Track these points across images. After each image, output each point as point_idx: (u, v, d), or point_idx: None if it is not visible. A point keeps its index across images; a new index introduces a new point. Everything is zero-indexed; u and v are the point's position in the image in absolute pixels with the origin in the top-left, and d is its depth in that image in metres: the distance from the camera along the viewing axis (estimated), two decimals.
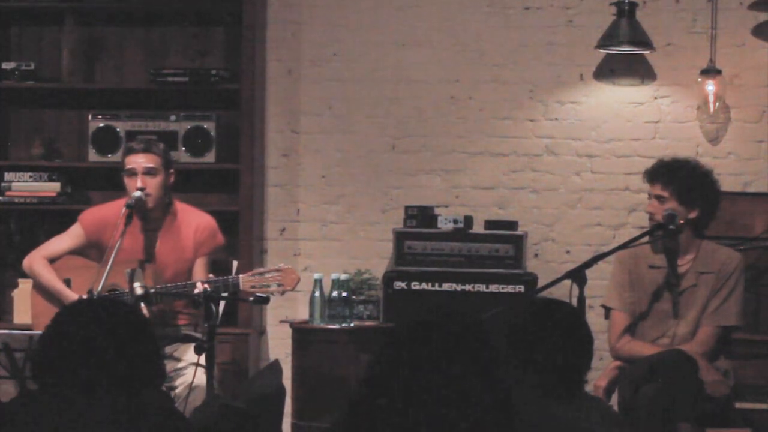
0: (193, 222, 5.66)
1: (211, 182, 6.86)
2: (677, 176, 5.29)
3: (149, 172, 5.52)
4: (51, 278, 5.58)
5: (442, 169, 6.85)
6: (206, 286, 5.16)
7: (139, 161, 5.53)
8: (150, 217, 5.58)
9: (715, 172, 5.44)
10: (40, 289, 5.61)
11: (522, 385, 3.25)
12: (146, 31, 6.96)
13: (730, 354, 5.40)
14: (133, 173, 5.52)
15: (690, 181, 5.29)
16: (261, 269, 5.35)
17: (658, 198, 5.31)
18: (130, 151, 5.59)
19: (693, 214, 5.30)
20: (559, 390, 3.28)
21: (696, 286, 5.31)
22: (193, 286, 5.23)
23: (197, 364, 5.05)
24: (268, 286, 5.26)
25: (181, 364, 5.40)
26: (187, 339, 5.47)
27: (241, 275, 5.31)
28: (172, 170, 5.61)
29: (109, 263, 5.19)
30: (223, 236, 5.74)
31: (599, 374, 5.38)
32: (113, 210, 5.60)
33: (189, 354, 5.33)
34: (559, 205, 6.80)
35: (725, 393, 5.19)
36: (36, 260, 5.65)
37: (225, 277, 5.33)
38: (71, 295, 5.43)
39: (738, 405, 5.37)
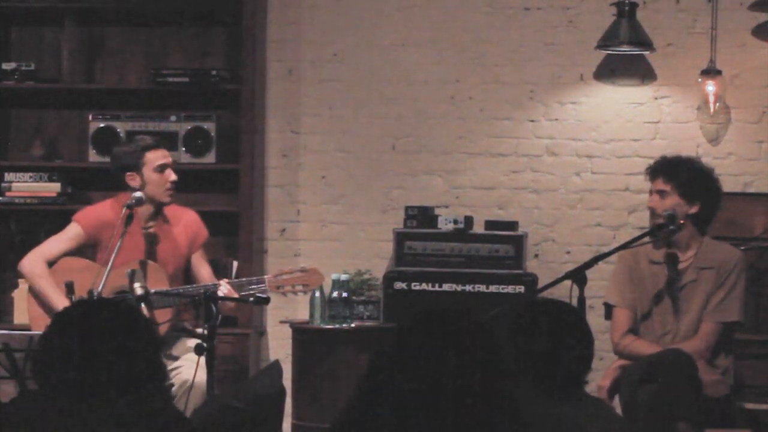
0: (182, 217, 5.73)
1: (212, 183, 6.85)
2: (679, 171, 5.33)
3: (172, 165, 5.63)
4: (47, 287, 5.49)
5: (442, 170, 6.85)
6: (227, 288, 5.29)
7: (167, 155, 5.61)
8: (150, 215, 5.61)
9: (716, 173, 5.45)
10: (36, 295, 5.57)
11: (522, 386, 3.25)
12: (146, 31, 6.96)
13: (731, 352, 5.39)
14: (165, 167, 5.57)
15: (691, 174, 5.32)
16: (286, 269, 5.49)
17: (660, 192, 5.33)
18: (153, 147, 5.61)
19: (694, 209, 5.31)
20: (560, 391, 3.28)
21: (696, 281, 5.32)
22: (216, 286, 5.35)
23: (196, 365, 5.06)
24: (294, 286, 5.41)
25: (177, 363, 5.41)
26: (186, 332, 5.50)
27: (266, 276, 5.48)
28: None
29: (109, 264, 5.19)
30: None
31: (600, 374, 5.38)
32: (106, 209, 5.62)
33: (187, 352, 5.35)
34: (560, 206, 6.80)
35: (724, 393, 5.20)
36: (35, 265, 5.56)
37: (251, 278, 5.44)
38: (63, 305, 5.40)
39: (738, 405, 5.37)
